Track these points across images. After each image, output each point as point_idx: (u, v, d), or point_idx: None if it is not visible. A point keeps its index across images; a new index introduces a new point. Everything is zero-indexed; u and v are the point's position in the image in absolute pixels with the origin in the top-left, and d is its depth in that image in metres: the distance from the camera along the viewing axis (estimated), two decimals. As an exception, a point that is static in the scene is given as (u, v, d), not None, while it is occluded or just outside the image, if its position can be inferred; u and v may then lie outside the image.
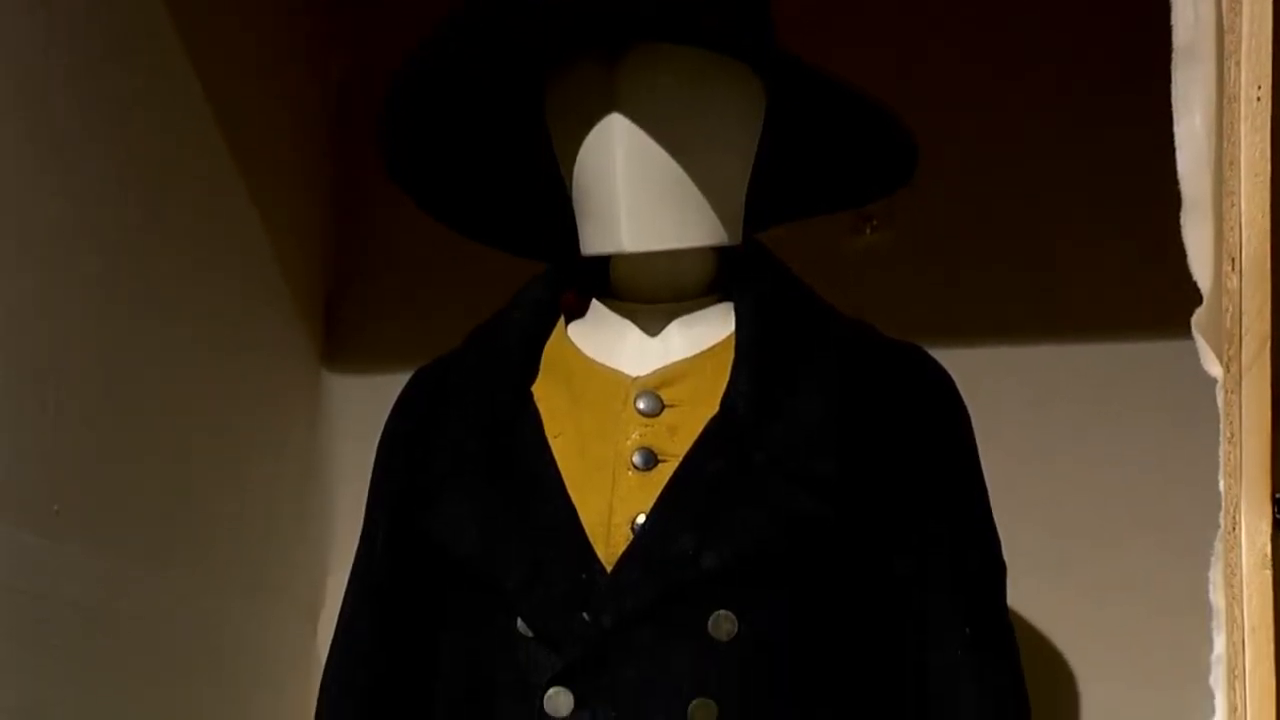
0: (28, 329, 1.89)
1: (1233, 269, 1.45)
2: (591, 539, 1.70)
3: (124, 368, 2.08)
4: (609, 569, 1.68)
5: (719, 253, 1.80)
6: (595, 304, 1.83)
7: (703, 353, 1.77)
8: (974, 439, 1.80)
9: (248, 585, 2.31)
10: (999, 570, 1.79)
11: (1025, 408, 2.29)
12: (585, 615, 1.67)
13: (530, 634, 1.69)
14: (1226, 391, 1.47)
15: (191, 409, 2.21)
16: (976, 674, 1.73)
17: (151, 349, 2.14)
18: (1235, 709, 1.87)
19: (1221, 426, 1.47)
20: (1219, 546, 1.56)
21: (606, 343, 1.80)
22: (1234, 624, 1.71)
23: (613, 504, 1.71)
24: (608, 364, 1.78)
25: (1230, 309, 1.45)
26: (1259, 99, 1.44)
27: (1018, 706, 1.76)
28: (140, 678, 2.10)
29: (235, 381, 2.30)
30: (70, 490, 1.97)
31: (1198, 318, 1.52)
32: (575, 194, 1.76)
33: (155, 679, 2.12)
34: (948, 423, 1.78)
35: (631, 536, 1.69)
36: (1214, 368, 1.50)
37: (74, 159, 1.95)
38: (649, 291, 1.80)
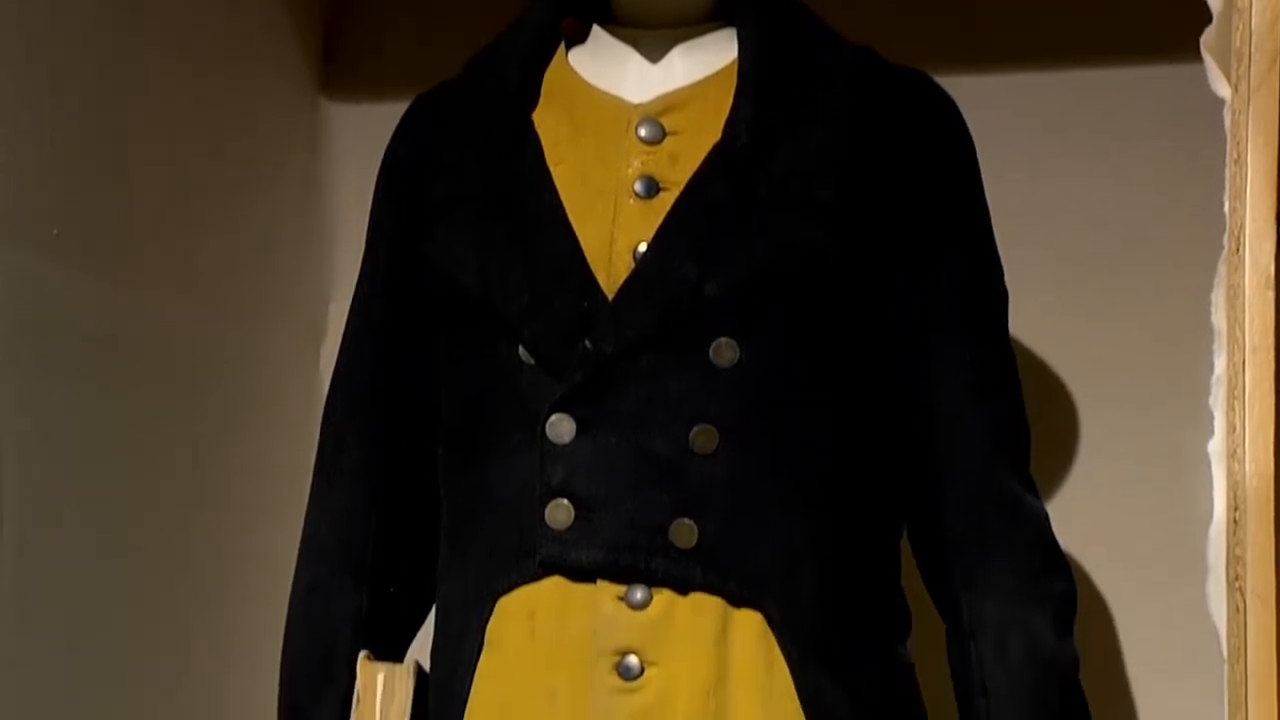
0: (26, 54, 1.87)
1: (1243, -15, 1.43)
2: (593, 267, 1.69)
3: (122, 92, 2.07)
4: (610, 297, 1.68)
5: (721, -24, 1.78)
6: (596, 30, 1.81)
7: (705, 79, 1.75)
8: (978, 165, 1.79)
9: (249, 311, 2.32)
10: (1001, 297, 1.79)
11: (1030, 134, 2.28)
12: (587, 343, 1.68)
13: (531, 361, 1.70)
14: (1234, 112, 1.46)
15: (190, 135, 2.20)
16: (977, 399, 1.74)
17: (149, 74, 2.12)
18: (1234, 429, 1.88)
19: (1228, 148, 1.46)
20: (1222, 269, 1.56)
21: (607, 69, 1.78)
22: (1235, 345, 1.72)
23: (614, 232, 1.70)
24: (609, 91, 1.76)
25: (1240, 27, 1.44)
26: None
27: (1017, 431, 1.77)
28: (143, 403, 2.11)
29: (234, 107, 2.29)
30: (69, 213, 1.96)
31: (1207, 37, 1.50)
32: None
33: (157, 405, 2.14)
34: (952, 149, 1.77)
35: (633, 265, 1.69)
36: (1222, 88, 1.49)
37: None
38: (650, 16, 1.77)
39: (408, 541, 1.80)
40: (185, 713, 2.19)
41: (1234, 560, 2.06)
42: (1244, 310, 1.63)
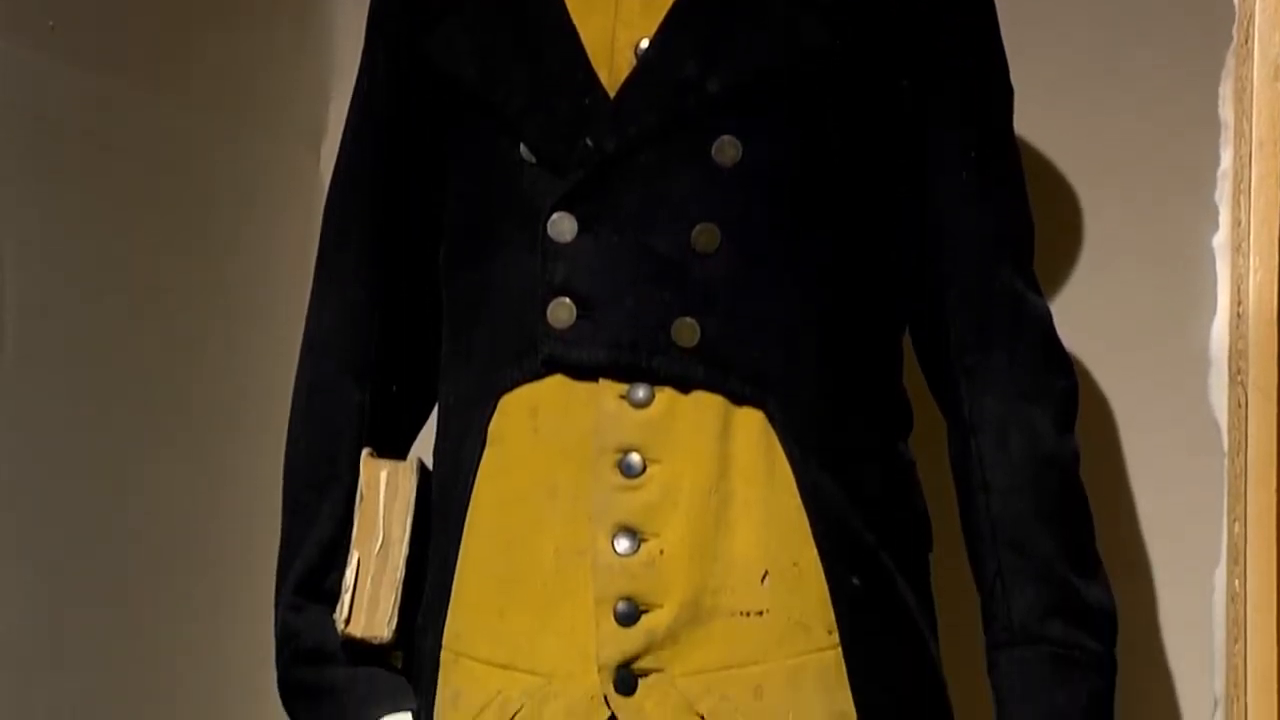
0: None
1: None
2: (594, 64, 1.68)
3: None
4: (612, 94, 1.67)
5: None
6: None
7: None
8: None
9: (248, 108, 2.30)
10: (1005, 94, 1.78)
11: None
12: (588, 140, 1.67)
13: (532, 159, 1.69)
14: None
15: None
16: (980, 197, 1.73)
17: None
18: (1239, 223, 1.88)
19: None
20: (1230, 61, 1.54)
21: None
22: (1242, 138, 1.71)
23: (615, 28, 1.68)
24: None
25: None
26: None
27: (1020, 228, 1.76)
28: (140, 201, 2.11)
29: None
30: (65, 6, 1.94)
31: None
32: None
33: (155, 203, 2.13)
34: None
35: (635, 61, 1.67)
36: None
37: None
38: None
39: (410, 339, 1.80)
40: (188, 492, 2.21)
41: (1236, 355, 2.06)
42: (1251, 103, 1.62)
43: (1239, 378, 2.08)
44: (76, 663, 2.04)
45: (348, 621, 1.72)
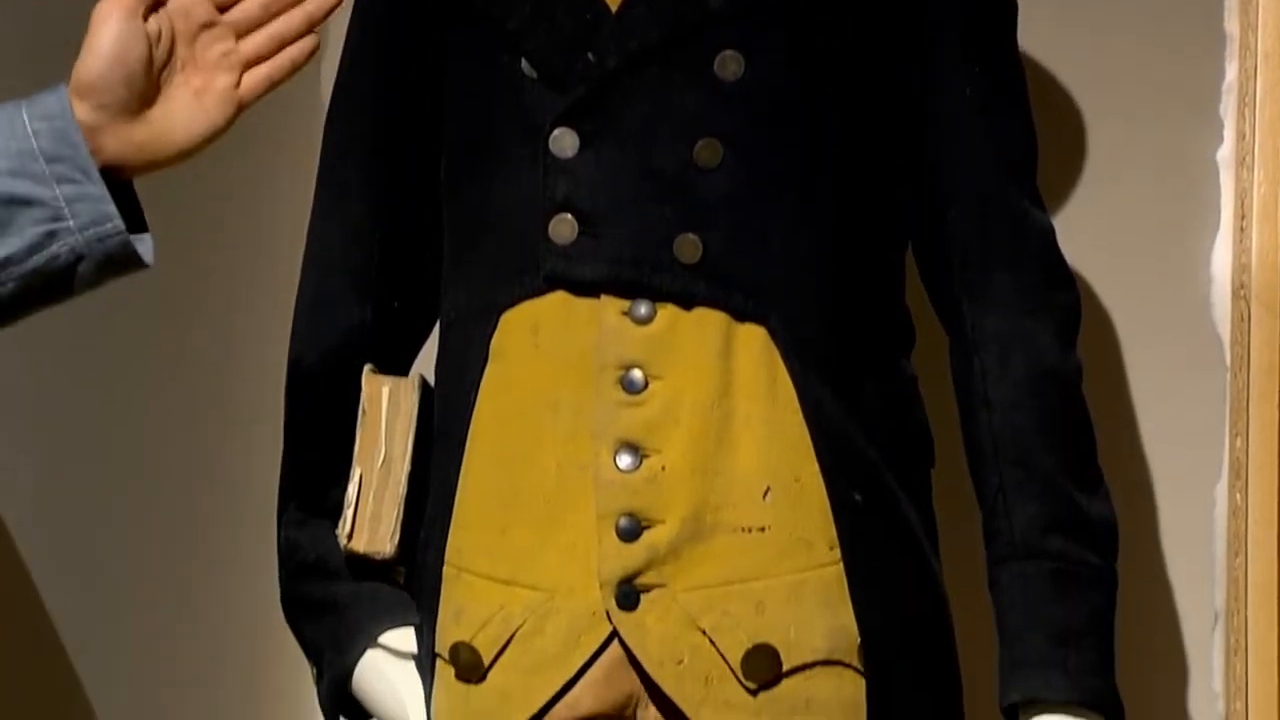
0: None
1: None
2: (595, -24, 1.67)
3: None
4: (614, 9, 1.66)
5: None
6: None
7: None
8: None
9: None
10: (1010, 10, 1.76)
11: None
12: (590, 55, 1.66)
13: (534, 75, 1.68)
14: None
15: None
16: (983, 113, 1.72)
17: None
18: (1243, 136, 1.87)
19: None
20: (1234, -26, 1.53)
21: None
22: (1247, 51, 1.70)
23: (617, -59, 1.68)
24: None
25: None
26: None
27: (1023, 144, 1.75)
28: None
29: None
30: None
31: None
32: None
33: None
34: None
35: (636, -26, 1.66)
36: None
37: None
38: None
39: (412, 256, 1.80)
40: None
41: (1239, 269, 2.06)
42: (1257, 15, 1.61)
43: (1241, 292, 2.08)
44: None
45: (350, 537, 1.73)
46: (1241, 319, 2.07)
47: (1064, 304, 1.74)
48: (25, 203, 1.44)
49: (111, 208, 1.45)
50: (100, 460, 2.08)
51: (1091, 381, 1.76)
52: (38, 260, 1.44)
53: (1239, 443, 2.04)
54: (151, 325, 2.14)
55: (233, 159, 2.22)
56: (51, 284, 1.46)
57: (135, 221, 1.49)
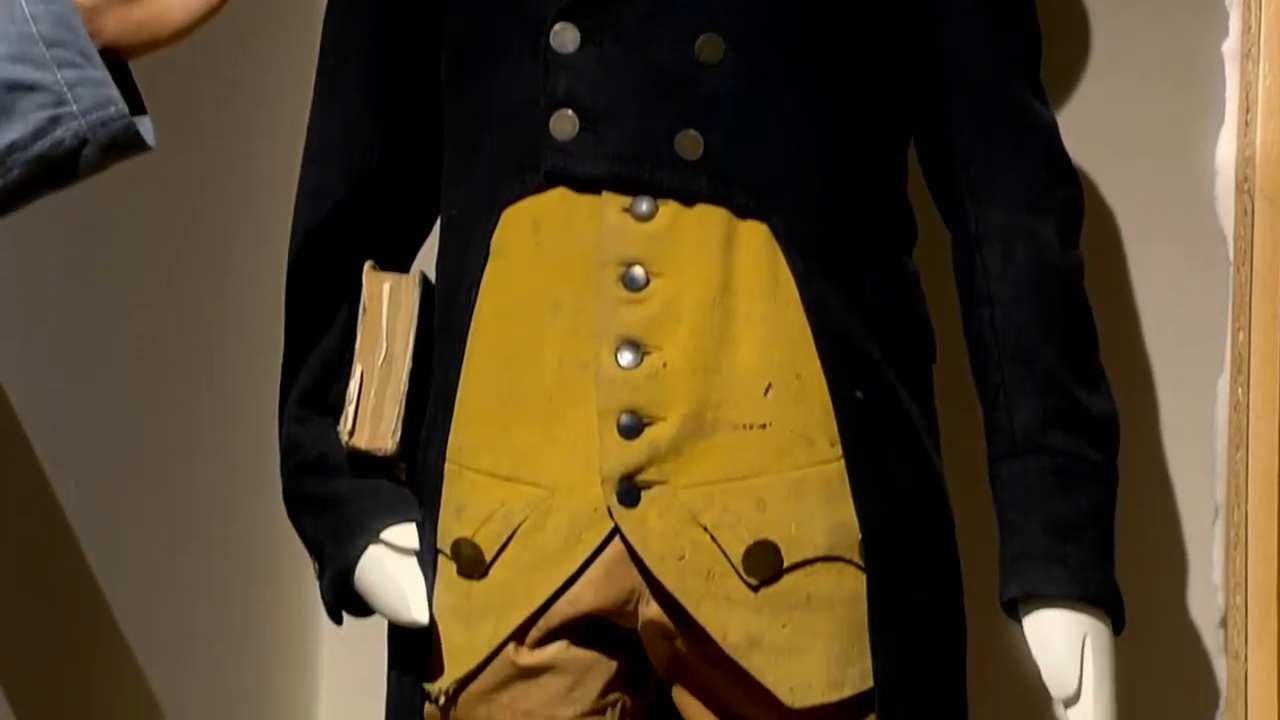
0: None
1: None
2: None
3: None
4: (615, -99, 1.65)
5: None
6: None
7: None
8: None
9: None
10: None
11: None
12: None
13: (534, -32, 1.67)
14: None
15: None
16: (986, 6, 1.71)
17: None
18: (1249, 28, 1.86)
19: None
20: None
21: None
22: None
23: None
24: None
25: None
26: None
27: (1028, 39, 1.74)
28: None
29: None
30: None
31: None
32: None
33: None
34: None
35: None
36: None
37: None
38: None
39: (412, 152, 1.79)
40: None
41: (1243, 163, 2.06)
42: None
43: (1245, 186, 2.07)
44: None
45: (351, 434, 1.73)
46: (1245, 213, 2.06)
47: (1067, 199, 1.74)
48: (27, 88, 1.43)
49: (114, 91, 1.44)
50: (103, 355, 2.08)
51: (1093, 276, 1.76)
52: (42, 146, 1.44)
53: (1241, 337, 2.04)
54: (151, 221, 2.14)
55: (232, 52, 2.21)
56: (56, 169, 1.46)
57: (134, 104, 1.48)
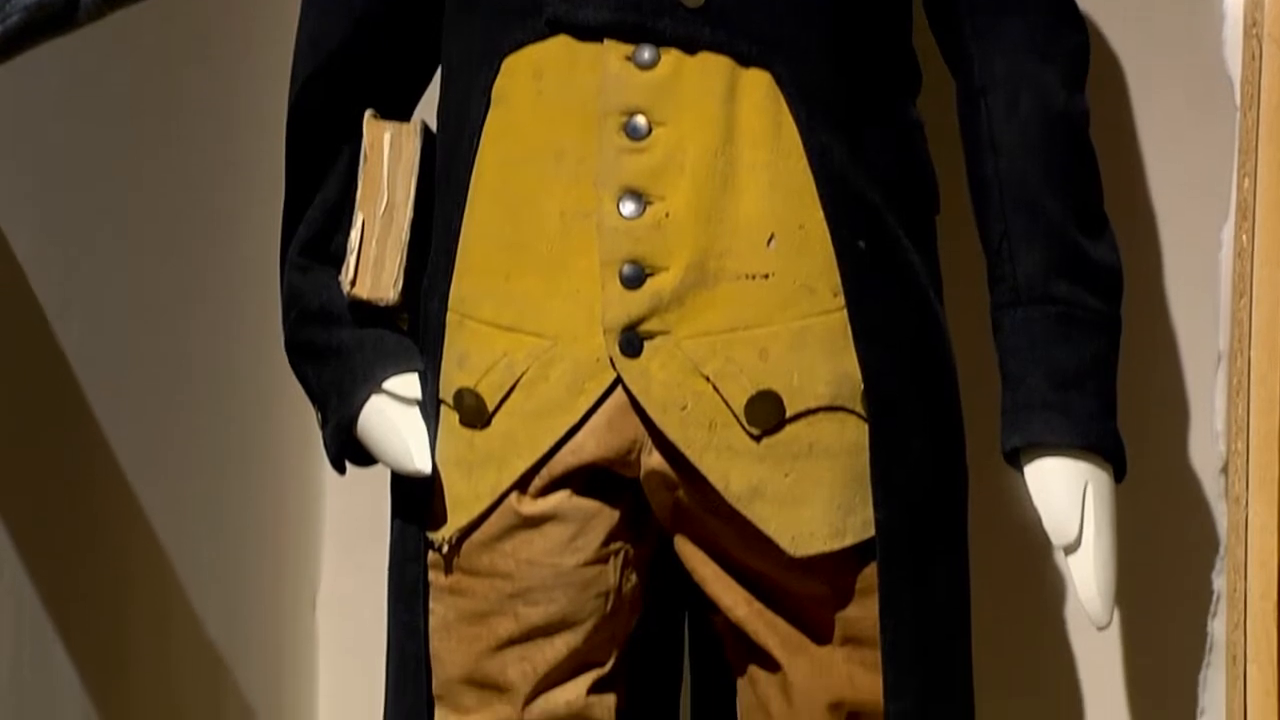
0: None
1: None
2: None
3: None
4: None
5: None
6: None
7: None
8: None
9: None
10: None
11: None
12: None
13: None
14: None
15: None
16: None
17: None
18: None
19: None
20: None
21: None
22: None
23: None
24: None
25: None
26: None
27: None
28: None
29: None
30: None
31: None
32: None
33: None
34: None
35: None
36: None
37: None
38: None
39: (412, -1, 1.77)
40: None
41: (1253, 5, 2.03)
42: None
43: (1254, 30, 2.05)
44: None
45: (353, 283, 1.73)
46: (1253, 57, 2.04)
47: (1073, 46, 1.72)
48: None
49: None
50: (106, 215, 2.07)
51: (1098, 124, 1.74)
52: None
53: (1246, 183, 2.03)
54: (151, 75, 2.12)
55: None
56: (55, 16, 1.44)
57: None
